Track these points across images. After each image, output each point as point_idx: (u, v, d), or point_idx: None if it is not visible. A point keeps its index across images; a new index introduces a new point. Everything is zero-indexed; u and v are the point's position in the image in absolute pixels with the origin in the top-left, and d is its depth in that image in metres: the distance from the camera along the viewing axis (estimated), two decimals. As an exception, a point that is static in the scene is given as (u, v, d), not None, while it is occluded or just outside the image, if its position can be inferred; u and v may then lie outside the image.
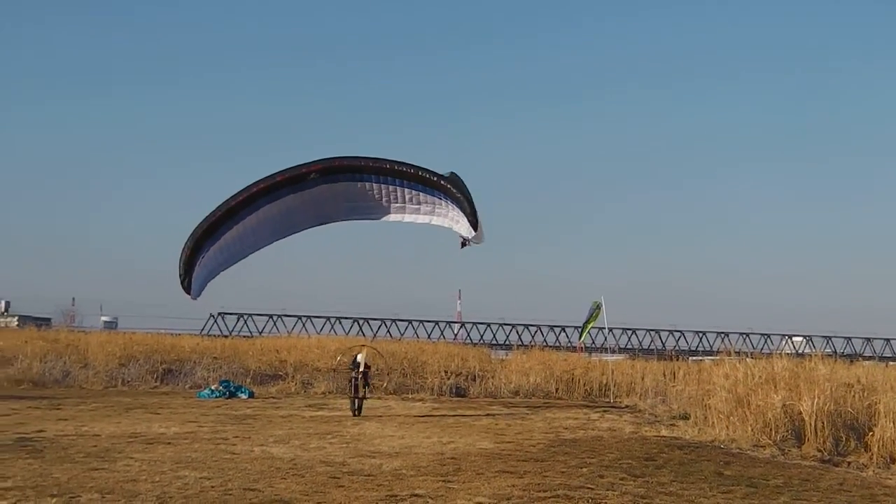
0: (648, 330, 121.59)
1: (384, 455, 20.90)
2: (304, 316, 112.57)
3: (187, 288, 25.45)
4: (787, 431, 25.20)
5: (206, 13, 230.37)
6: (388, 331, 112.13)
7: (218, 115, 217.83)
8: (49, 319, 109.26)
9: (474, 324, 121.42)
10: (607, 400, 44.90)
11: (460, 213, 25.25)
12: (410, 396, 43.99)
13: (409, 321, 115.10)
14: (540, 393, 46.58)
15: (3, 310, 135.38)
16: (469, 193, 25.12)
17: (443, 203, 25.52)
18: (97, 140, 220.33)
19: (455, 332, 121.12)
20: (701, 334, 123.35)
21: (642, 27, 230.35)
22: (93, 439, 22.59)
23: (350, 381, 33.40)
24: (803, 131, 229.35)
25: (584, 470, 19.23)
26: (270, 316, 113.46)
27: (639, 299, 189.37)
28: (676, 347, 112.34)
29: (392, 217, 26.68)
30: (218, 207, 24.91)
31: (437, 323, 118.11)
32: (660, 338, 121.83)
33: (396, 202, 26.05)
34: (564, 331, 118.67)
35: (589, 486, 17.02)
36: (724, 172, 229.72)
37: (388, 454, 21.11)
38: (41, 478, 16.23)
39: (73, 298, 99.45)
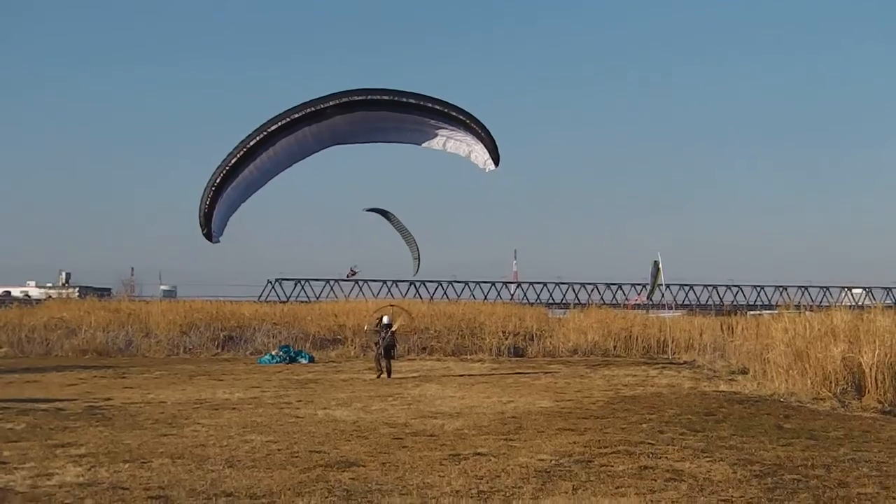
0: (706, 285, 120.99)
1: (445, 415, 21.19)
2: (361, 280, 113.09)
3: (208, 236, 25.44)
4: (847, 384, 25.13)
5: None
6: (445, 292, 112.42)
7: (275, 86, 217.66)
8: (109, 290, 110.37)
9: (530, 283, 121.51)
10: (666, 357, 44.90)
11: (479, 143, 25.31)
12: (469, 357, 44.31)
13: (466, 282, 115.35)
14: (598, 351, 46.71)
15: (64, 281, 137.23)
16: (488, 129, 25.18)
17: (460, 133, 25.54)
18: (157, 110, 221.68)
19: (511, 292, 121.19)
20: (759, 288, 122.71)
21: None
22: (159, 406, 23.10)
23: (377, 343, 33.45)
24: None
25: (644, 426, 19.41)
26: (327, 281, 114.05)
27: (695, 255, 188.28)
28: (734, 302, 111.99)
29: (408, 140, 26.70)
30: (235, 149, 24.58)
31: (493, 283, 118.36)
32: (717, 293, 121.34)
33: (413, 128, 25.97)
34: (621, 288, 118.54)
35: (649, 441, 17.21)
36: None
37: (450, 414, 21.40)
38: (112, 444, 16.67)
39: (132, 268, 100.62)
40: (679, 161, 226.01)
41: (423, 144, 26.44)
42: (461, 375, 33.49)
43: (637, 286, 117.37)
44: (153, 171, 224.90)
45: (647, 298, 51.97)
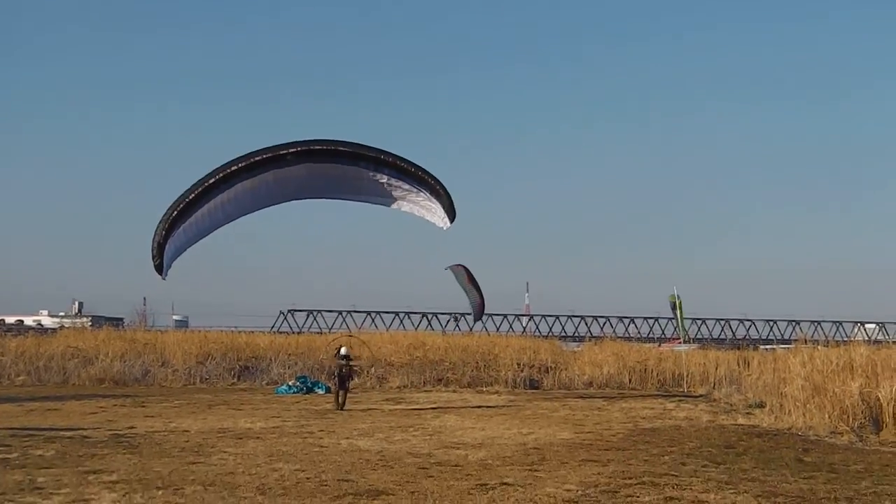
0: (718, 319, 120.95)
1: (468, 446, 21.37)
2: (374, 312, 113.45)
3: (159, 268, 25.33)
4: (865, 418, 25.29)
5: None
6: (458, 325, 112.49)
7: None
8: (122, 319, 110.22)
9: (543, 316, 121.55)
10: (681, 390, 45.12)
11: (435, 202, 25.34)
12: (485, 389, 44.52)
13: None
14: (613, 384, 46.92)
15: (76, 310, 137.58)
16: (444, 185, 25.22)
17: (416, 192, 25.58)
18: (172, 142, 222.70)
19: (524, 324, 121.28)
20: (772, 323, 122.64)
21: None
22: (183, 435, 23.31)
23: (335, 374, 33.10)
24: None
25: (666, 458, 19.57)
26: (340, 312, 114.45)
27: (707, 289, 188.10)
28: (747, 336, 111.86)
29: (365, 200, 26.69)
30: (193, 186, 24.39)
31: (505, 316, 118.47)
32: (730, 327, 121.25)
33: (373, 187, 25.95)
34: (633, 322, 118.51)
35: (673, 473, 17.38)
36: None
37: (472, 445, 21.58)
38: (143, 471, 16.90)
39: (145, 298, 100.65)
40: (692, 196, 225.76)
41: (382, 204, 26.44)
42: (479, 407, 33.60)
43: (649, 319, 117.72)
44: (164, 201, 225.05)
45: (682, 341, 51.84)
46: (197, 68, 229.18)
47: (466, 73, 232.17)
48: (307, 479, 16.26)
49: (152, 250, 24.79)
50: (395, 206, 26.37)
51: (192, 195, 24.62)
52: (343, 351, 32.80)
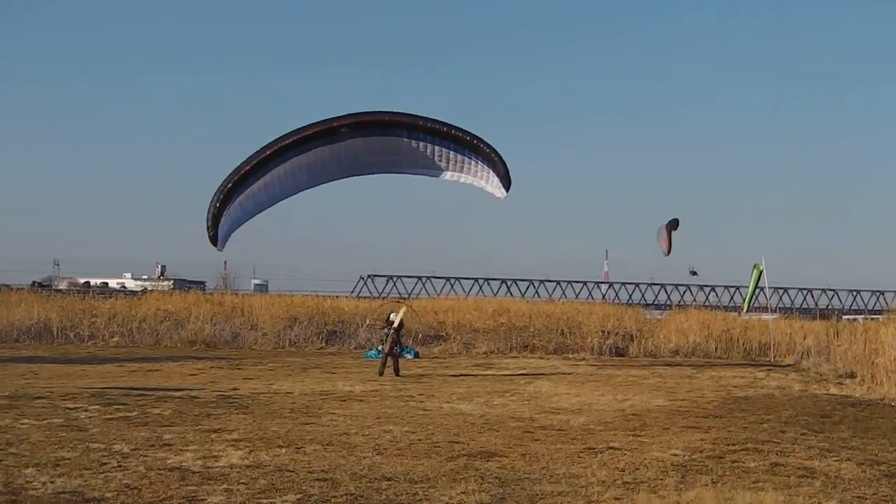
0: (800, 289, 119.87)
1: (567, 411, 21.84)
2: (453, 278, 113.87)
3: (213, 240, 25.49)
4: (960, 389, 25.33)
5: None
6: (537, 291, 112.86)
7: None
8: (203, 283, 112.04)
9: (622, 284, 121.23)
10: (767, 359, 45.05)
11: (491, 172, 25.40)
12: (572, 356, 44.87)
13: (558, 282, 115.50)
14: (699, 352, 47.02)
15: (159, 273, 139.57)
16: (499, 153, 25.27)
17: (472, 162, 25.52)
18: (248, 110, 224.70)
19: (603, 292, 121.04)
20: (855, 293, 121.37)
21: None
22: (288, 397, 24.05)
23: (381, 339, 32.93)
24: None
25: (765, 426, 19.87)
26: (419, 278, 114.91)
27: (791, 258, 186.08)
28: (829, 306, 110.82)
29: (423, 173, 26.66)
30: (248, 159, 24.51)
31: (584, 283, 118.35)
32: (812, 296, 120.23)
33: (426, 158, 25.72)
34: (714, 290, 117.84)
35: (774, 440, 17.69)
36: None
37: (571, 410, 22.04)
38: (261, 430, 17.61)
39: (226, 262, 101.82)
40: (777, 167, 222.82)
41: (437, 175, 26.45)
42: (569, 373, 34.00)
43: (730, 288, 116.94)
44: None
45: (745, 311, 51.92)
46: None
47: (565, 41, 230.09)
48: (419, 440, 16.84)
49: (207, 221, 25.07)
50: (450, 177, 26.39)
51: (247, 168, 24.76)
52: (392, 317, 32.25)
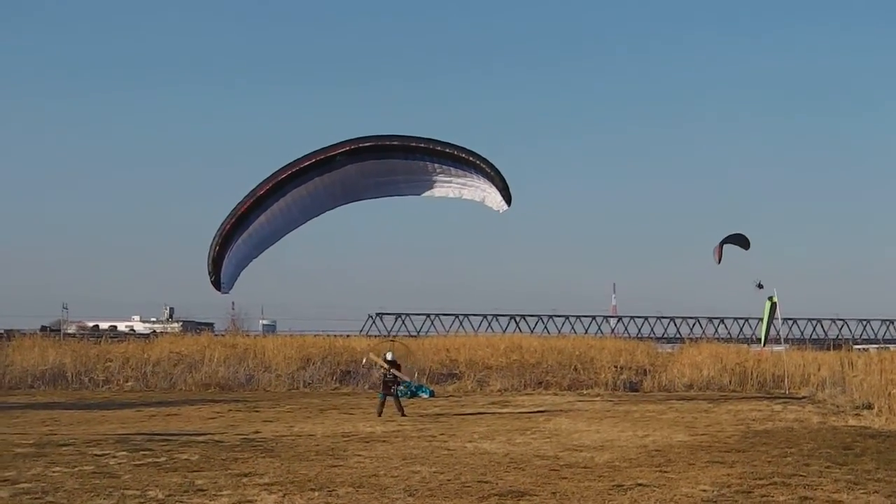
0: (809, 319, 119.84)
1: (590, 448, 21.95)
2: (462, 314, 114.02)
3: (216, 284, 25.53)
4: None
5: None
6: (546, 326, 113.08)
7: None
8: (212, 324, 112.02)
9: (631, 317, 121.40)
10: (781, 391, 45.14)
11: (491, 186, 25.49)
12: (586, 392, 44.99)
13: (566, 316, 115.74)
14: (714, 386, 47.17)
15: (167, 315, 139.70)
16: (498, 169, 25.42)
17: (471, 177, 25.62)
18: (255, 142, 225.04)
19: (612, 326, 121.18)
20: (865, 322, 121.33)
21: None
22: (311, 439, 24.18)
23: (381, 379, 32.60)
24: None
25: (789, 459, 19.97)
26: (428, 315, 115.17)
27: (798, 287, 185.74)
28: (839, 336, 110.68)
29: (422, 192, 26.69)
30: (245, 197, 24.59)
31: (593, 317, 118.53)
32: (822, 326, 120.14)
33: (426, 177, 25.87)
34: (724, 322, 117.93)
35: (800, 474, 17.78)
36: None
37: (594, 447, 22.14)
38: (290, 474, 17.72)
39: (233, 302, 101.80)
40: (779, 192, 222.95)
41: (437, 194, 26.50)
42: (586, 410, 34.10)
43: (739, 320, 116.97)
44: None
45: (762, 346, 52.19)
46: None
47: (562, 61, 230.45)
48: (448, 480, 16.97)
49: (208, 266, 25.19)
50: (450, 194, 26.48)
51: (245, 206, 24.84)
52: (389, 356, 32.26)
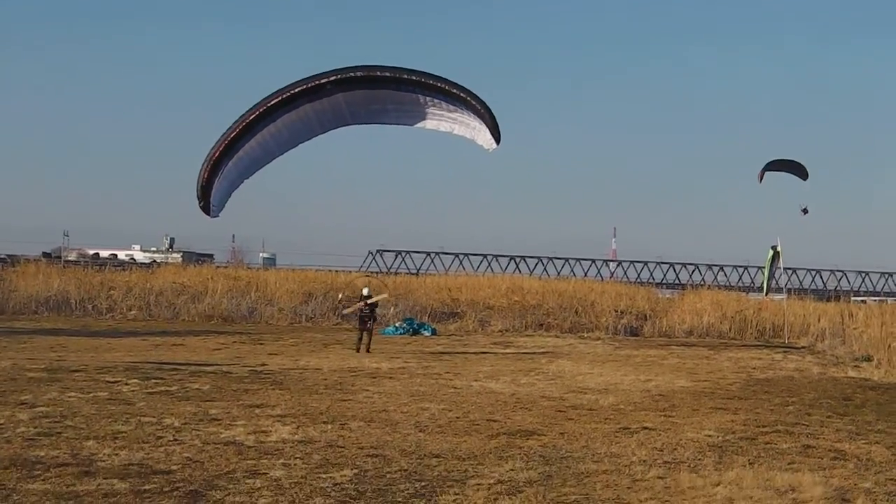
0: (809, 269, 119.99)
1: (594, 391, 22.23)
2: (462, 254, 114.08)
3: (205, 209, 25.60)
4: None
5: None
6: (545, 268, 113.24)
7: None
8: (212, 255, 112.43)
9: (631, 262, 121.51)
10: (781, 340, 45.45)
11: (481, 123, 25.49)
12: (587, 335, 45.36)
13: (566, 259, 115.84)
14: (713, 333, 47.56)
15: (167, 246, 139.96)
16: (488, 106, 25.40)
17: (463, 113, 25.70)
18: (260, 80, 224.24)
19: (611, 270, 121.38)
20: (864, 274, 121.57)
21: None
22: (318, 373, 24.53)
23: (356, 314, 32.58)
24: None
25: (791, 408, 20.26)
26: (428, 254, 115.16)
27: (799, 238, 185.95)
28: (838, 287, 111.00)
29: (413, 123, 26.71)
30: (235, 123, 24.45)
31: (592, 261, 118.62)
32: (821, 277, 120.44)
33: (417, 109, 25.89)
34: (723, 270, 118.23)
35: (802, 423, 18.04)
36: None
37: (598, 390, 22.42)
38: (301, 406, 18.04)
39: (234, 235, 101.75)
40: (788, 141, 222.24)
41: (426, 126, 26.47)
42: (588, 353, 34.46)
43: (739, 268, 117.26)
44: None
45: (765, 294, 52.50)
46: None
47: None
48: (457, 418, 17.24)
49: (197, 191, 25.29)
50: (439, 127, 26.43)
51: (235, 132, 24.82)
52: (365, 291, 32.50)
